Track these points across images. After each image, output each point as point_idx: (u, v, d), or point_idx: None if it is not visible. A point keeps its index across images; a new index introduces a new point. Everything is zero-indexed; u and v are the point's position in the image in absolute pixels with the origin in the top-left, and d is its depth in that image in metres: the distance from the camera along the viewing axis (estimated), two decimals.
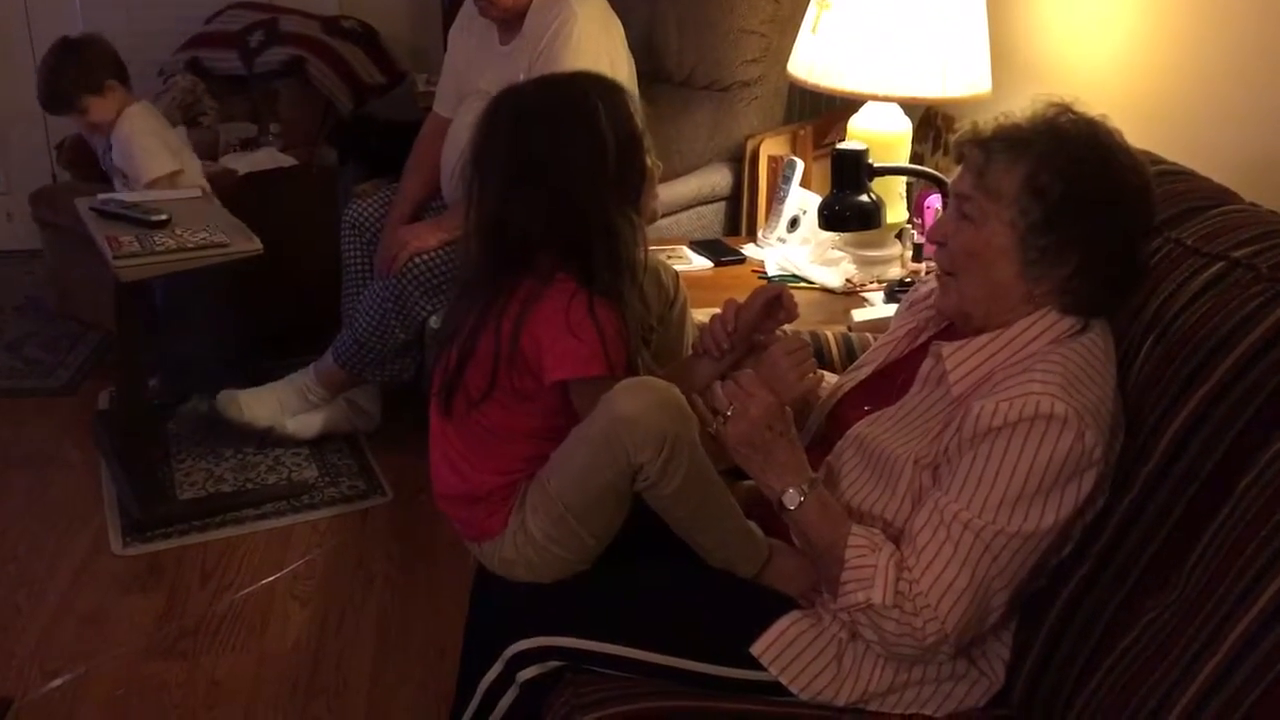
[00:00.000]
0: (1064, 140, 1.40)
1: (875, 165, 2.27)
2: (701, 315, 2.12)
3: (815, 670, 1.49)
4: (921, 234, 2.50)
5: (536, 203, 1.59)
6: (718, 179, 3.00)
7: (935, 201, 2.40)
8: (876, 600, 1.38)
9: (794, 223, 2.63)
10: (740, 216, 3.01)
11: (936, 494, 1.40)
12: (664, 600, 1.58)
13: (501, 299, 1.61)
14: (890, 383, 1.61)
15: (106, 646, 2.37)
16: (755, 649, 1.50)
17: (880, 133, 2.40)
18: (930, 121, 2.82)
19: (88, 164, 3.53)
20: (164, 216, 2.66)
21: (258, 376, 3.07)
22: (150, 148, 2.92)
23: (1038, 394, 1.34)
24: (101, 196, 2.79)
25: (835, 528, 1.43)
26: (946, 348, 1.49)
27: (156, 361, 3.10)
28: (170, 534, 2.71)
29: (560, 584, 1.62)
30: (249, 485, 2.90)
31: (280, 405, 3.00)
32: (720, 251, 2.67)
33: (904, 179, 2.45)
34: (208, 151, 3.55)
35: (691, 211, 2.99)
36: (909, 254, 2.46)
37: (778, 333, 1.71)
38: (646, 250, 1.69)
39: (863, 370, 1.70)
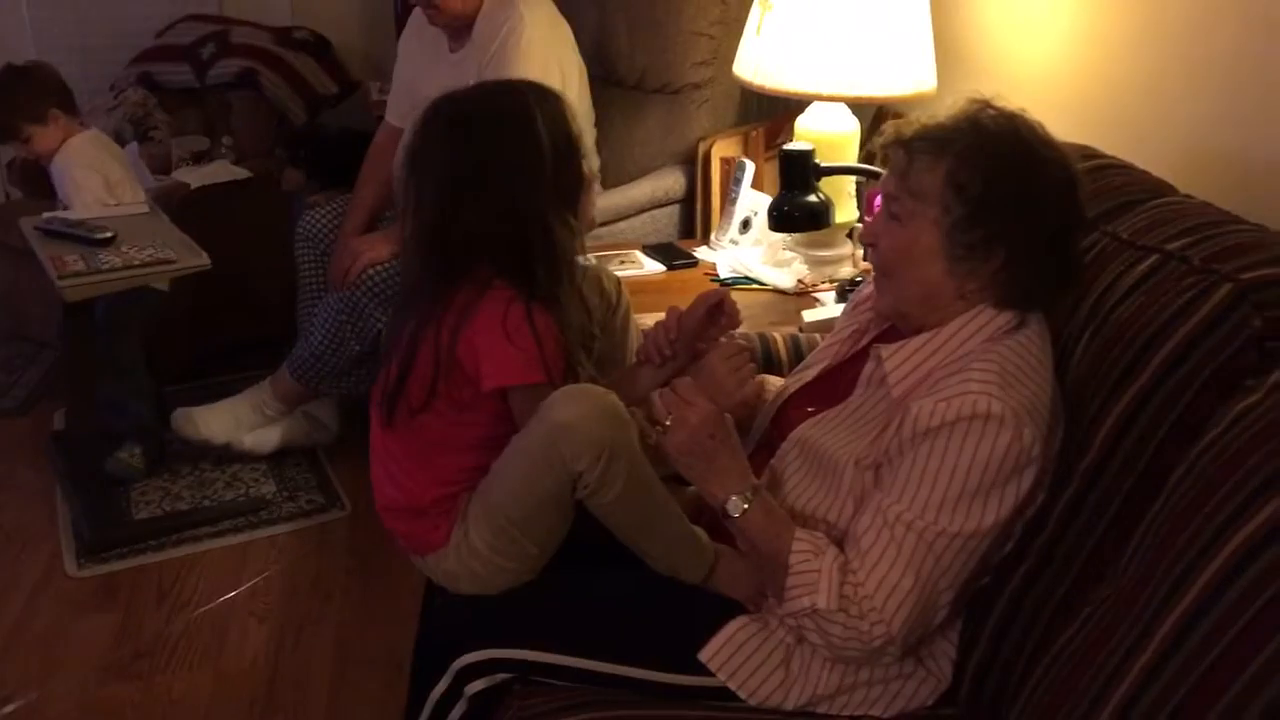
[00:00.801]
0: (984, 137, 1.40)
1: (822, 165, 2.27)
2: (651, 321, 2.11)
3: (763, 675, 1.48)
4: None
5: (474, 210, 1.58)
6: (671, 182, 2.99)
7: None
8: (821, 605, 1.37)
9: (746, 224, 2.62)
10: (694, 219, 3.00)
11: (879, 495, 1.39)
12: (611, 608, 1.57)
13: (439, 308, 1.60)
14: (834, 385, 1.60)
15: (61, 670, 2.34)
16: (703, 655, 1.49)
17: (827, 133, 2.40)
18: (883, 120, 2.82)
19: (38, 182, 3.49)
20: (109, 234, 2.63)
21: (218, 391, 3.06)
22: (84, 183, 2.84)
23: (975, 393, 1.34)
24: (46, 215, 2.76)
25: (779, 533, 1.43)
26: (885, 349, 1.49)
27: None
28: (125, 554, 2.68)
29: (507, 595, 1.61)
30: (206, 502, 2.87)
31: (236, 421, 2.97)
32: (673, 255, 2.67)
33: (853, 178, 2.45)
34: (160, 165, 3.52)
35: (645, 215, 2.98)
36: (860, 253, 2.46)
37: (722, 339, 1.70)
38: (585, 256, 1.69)
39: (808, 372, 1.69)
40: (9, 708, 2.24)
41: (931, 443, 1.35)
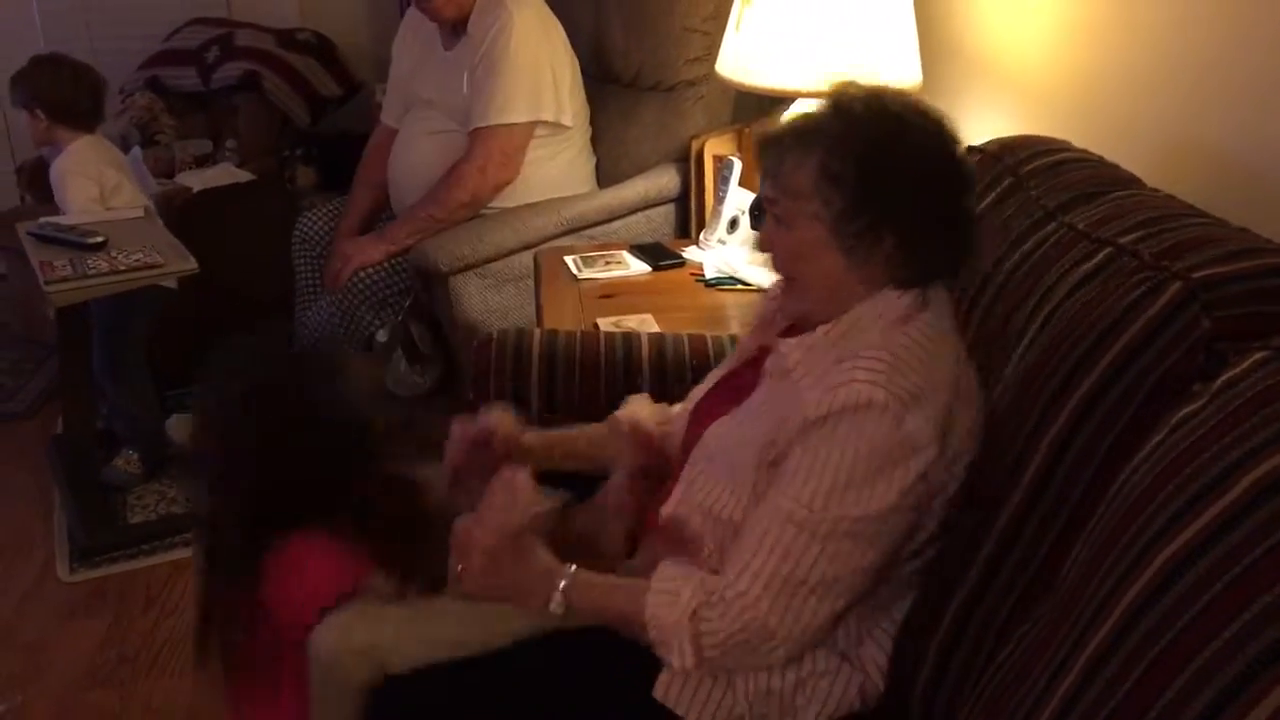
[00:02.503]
0: (850, 121, 1.35)
1: None
2: (632, 321, 2.08)
3: (715, 701, 1.43)
4: None
5: None
6: (665, 181, 2.94)
7: None
8: (688, 664, 1.34)
9: (734, 223, 2.57)
10: (689, 219, 2.96)
11: (771, 491, 1.36)
12: (545, 688, 1.47)
13: None
14: (739, 387, 1.56)
15: (47, 675, 2.35)
16: (656, 692, 1.41)
17: None
18: None
19: (47, 186, 3.52)
20: (100, 239, 2.63)
21: None
22: (77, 190, 2.86)
23: (860, 381, 1.30)
24: (41, 220, 2.77)
25: (612, 602, 1.40)
26: (785, 343, 1.45)
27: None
28: (118, 559, 2.69)
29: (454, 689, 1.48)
30: None
31: None
32: (660, 255, 2.62)
33: None
34: (164, 169, 3.54)
35: (640, 215, 2.94)
36: None
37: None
38: None
39: (710, 380, 1.65)
40: None
41: (816, 434, 1.31)
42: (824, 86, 1.41)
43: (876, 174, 1.33)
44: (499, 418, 1.66)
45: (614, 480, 1.63)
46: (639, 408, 1.73)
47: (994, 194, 1.60)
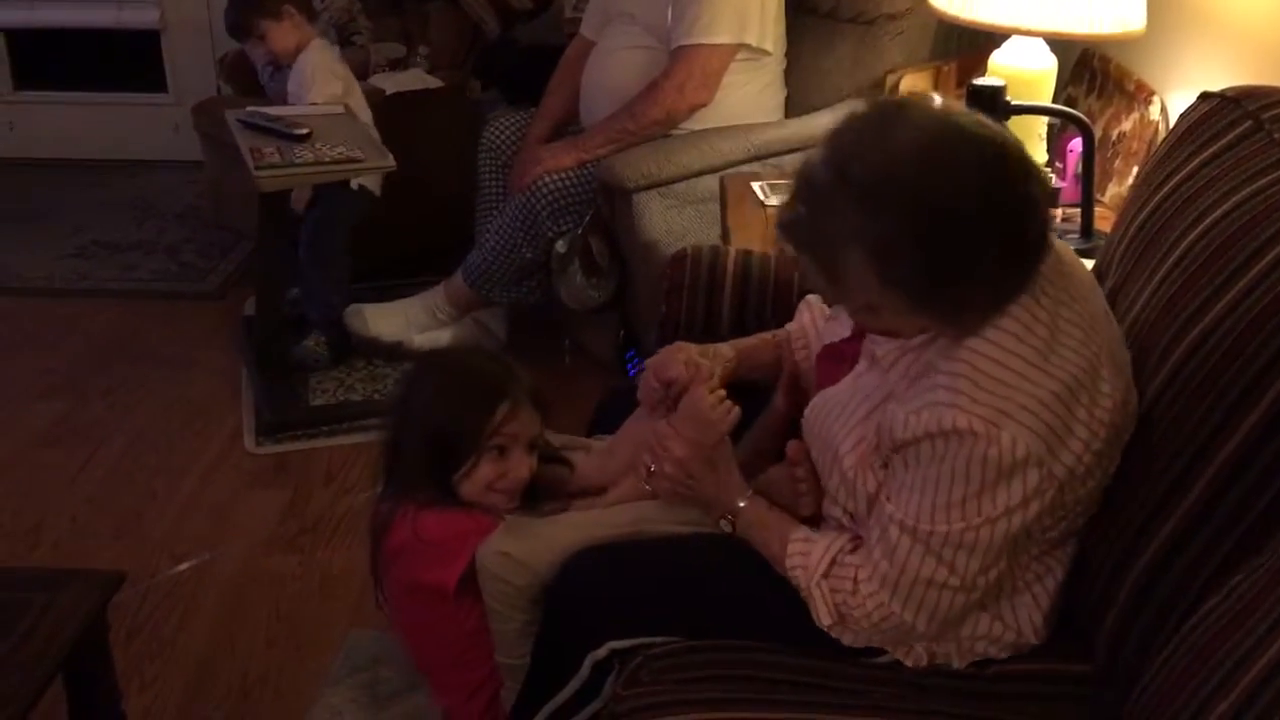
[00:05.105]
0: (868, 193, 1.21)
1: (1012, 103, 2.17)
2: None
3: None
4: (1061, 179, 2.40)
5: None
6: None
7: (1078, 145, 2.29)
8: (825, 624, 1.41)
9: None
10: None
11: (885, 492, 1.37)
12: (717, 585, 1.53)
13: None
14: (843, 357, 1.54)
15: (232, 537, 2.50)
16: (822, 623, 1.44)
17: (1022, 70, 2.28)
18: (1086, 62, 2.68)
19: (248, 79, 3.66)
20: (305, 131, 2.74)
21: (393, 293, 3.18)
22: (325, 85, 3.02)
23: (942, 404, 1.27)
24: (249, 109, 2.89)
25: (776, 540, 1.45)
26: (881, 346, 1.41)
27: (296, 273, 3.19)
28: (300, 436, 2.83)
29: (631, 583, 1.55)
30: (376, 395, 2.99)
31: (408, 321, 3.08)
32: None
33: (1045, 119, 2.34)
34: (358, 70, 3.63)
35: None
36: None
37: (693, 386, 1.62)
38: None
39: (834, 335, 1.63)
40: (184, 565, 2.42)
41: (911, 453, 1.32)
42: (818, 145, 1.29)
43: (933, 253, 1.21)
44: (681, 347, 1.69)
45: (765, 416, 1.67)
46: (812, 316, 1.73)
47: (1229, 137, 1.54)
